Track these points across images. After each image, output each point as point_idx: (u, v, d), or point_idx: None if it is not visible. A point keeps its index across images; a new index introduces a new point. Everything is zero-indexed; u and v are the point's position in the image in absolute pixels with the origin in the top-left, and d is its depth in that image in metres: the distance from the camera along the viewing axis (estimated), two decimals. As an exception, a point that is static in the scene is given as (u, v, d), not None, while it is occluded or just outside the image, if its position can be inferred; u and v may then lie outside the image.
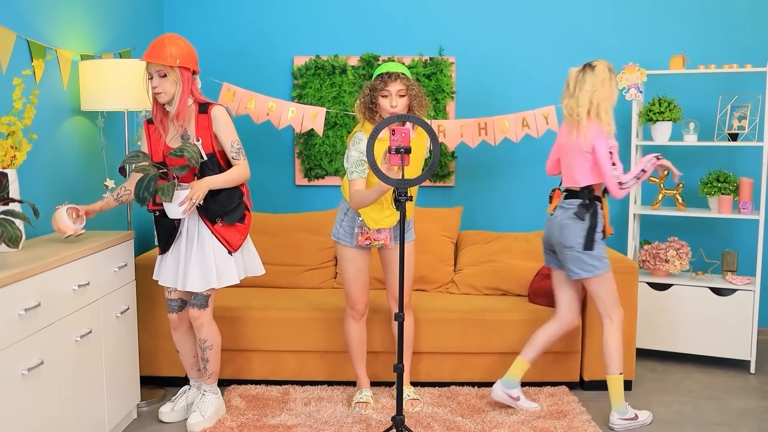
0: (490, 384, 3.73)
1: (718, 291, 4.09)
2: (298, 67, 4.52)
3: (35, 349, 2.41)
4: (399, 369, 2.81)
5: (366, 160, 3.07)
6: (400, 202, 2.74)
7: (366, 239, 3.28)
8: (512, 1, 4.56)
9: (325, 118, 4.37)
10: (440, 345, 3.71)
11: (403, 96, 3.17)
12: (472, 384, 3.76)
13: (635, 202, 4.35)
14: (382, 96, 3.16)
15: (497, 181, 4.65)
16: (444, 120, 4.39)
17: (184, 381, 3.75)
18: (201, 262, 3.11)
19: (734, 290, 4.06)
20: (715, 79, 4.48)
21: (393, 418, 2.82)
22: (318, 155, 4.55)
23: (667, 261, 4.16)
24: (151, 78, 2.99)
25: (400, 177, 2.75)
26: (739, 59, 4.39)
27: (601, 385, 3.74)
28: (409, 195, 2.76)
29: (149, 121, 3.14)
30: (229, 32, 4.56)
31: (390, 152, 2.75)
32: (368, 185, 3.22)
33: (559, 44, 4.56)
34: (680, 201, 4.26)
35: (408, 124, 3.14)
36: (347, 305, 3.44)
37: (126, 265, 3.17)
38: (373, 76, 3.23)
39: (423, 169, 3.40)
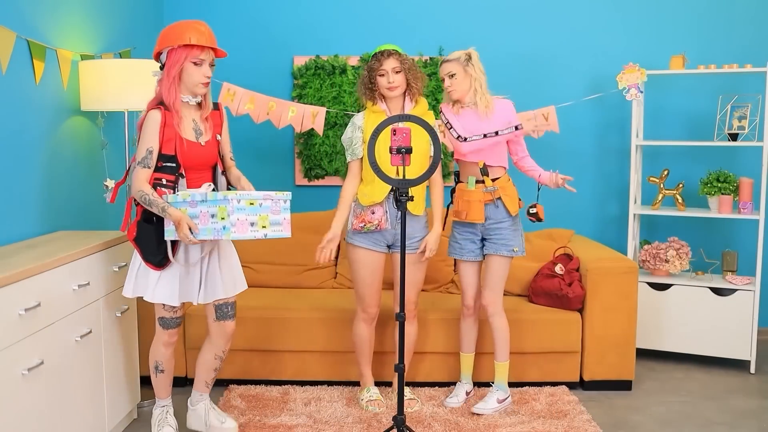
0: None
1: (718, 291, 4.09)
2: (298, 67, 4.52)
3: (35, 349, 2.41)
4: (400, 369, 2.81)
5: (355, 138, 3.29)
6: (401, 203, 2.75)
7: (360, 222, 3.26)
8: (512, 1, 4.56)
9: (325, 118, 4.37)
10: (440, 345, 3.71)
11: (399, 72, 3.23)
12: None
13: (635, 202, 4.35)
14: (379, 75, 3.24)
15: (497, 181, 4.64)
16: (444, 120, 4.39)
17: (184, 381, 3.74)
18: (230, 263, 2.98)
19: (734, 290, 4.06)
20: (715, 79, 4.48)
21: (394, 418, 2.81)
22: (318, 155, 4.55)
23: (667, 261, 4.16)
24: (199, 64, 2.77)
25: (402, 177, 2.76)
26: (739, 59, 4.38)
27: (601, 385, 3.74)
28: (410, 195, 2.76)
29: (161, 107, 2.78)
30: (229, 32, 4.56)
31: (391, 152, 2.76)
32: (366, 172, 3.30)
33: (560, 44, 4.56)
34: (680, 201, 4.26)
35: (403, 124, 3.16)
36: (358, 308, 3.41)
37: (126, 265, 3.16)
38: (370, 59, 3.33)
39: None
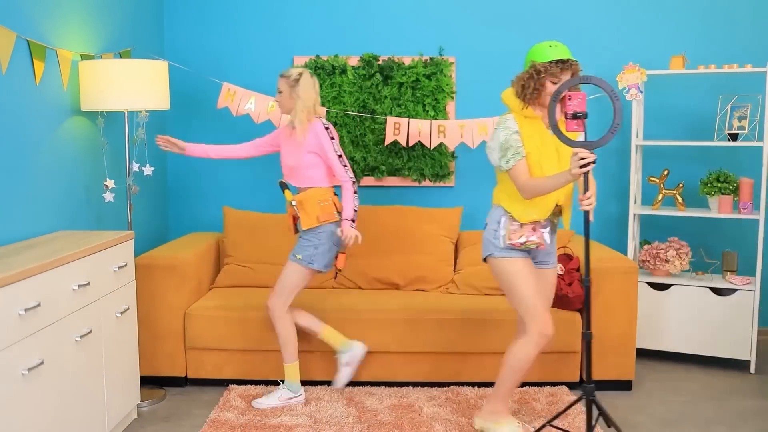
0: (490, 384, 3.73)
1: (718, 291, 4.09)
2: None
3: (35, 349, 2.41)
4: (587, 335, 2.85)
5: (512, 140, 2.92)
6: (585, 167, 2.71)
7: (520, 236, 2.93)
8: (512, 1, 4.56)
9: (325, 118, 4.36)
10: (440, 345, 3.71)
11: None
12: (473, 384, 3.76)
13: (635, 202, 4.35)
14: (553, 82, 2.89)
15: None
16: (444, 120, 4.39)
17: (183, 381, 3.75)
18: None
19: (734, 290, 4.06)
20: (715, 79, 4.48)
21: (582, 387, 2.85)
22: (318, 155, 4.54)
23: (667, 261, 4.16)
24: None
25: (584, 140, 2.77)
26: (739, 59, 4.39)
27: (601, 385, 3.74)
28: (594, 159, 2.69)
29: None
30: (228, 32, 4.56)
31: (566, 118, 2.77)
32: (536, 168, 2.97)
33: (559, 44, 4.56)
34: (680, 201, 4.26)
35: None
36: (534, 329, 2.97)
37: (126, 265, 3.17)
38: (537, 54, 2.93)
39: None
